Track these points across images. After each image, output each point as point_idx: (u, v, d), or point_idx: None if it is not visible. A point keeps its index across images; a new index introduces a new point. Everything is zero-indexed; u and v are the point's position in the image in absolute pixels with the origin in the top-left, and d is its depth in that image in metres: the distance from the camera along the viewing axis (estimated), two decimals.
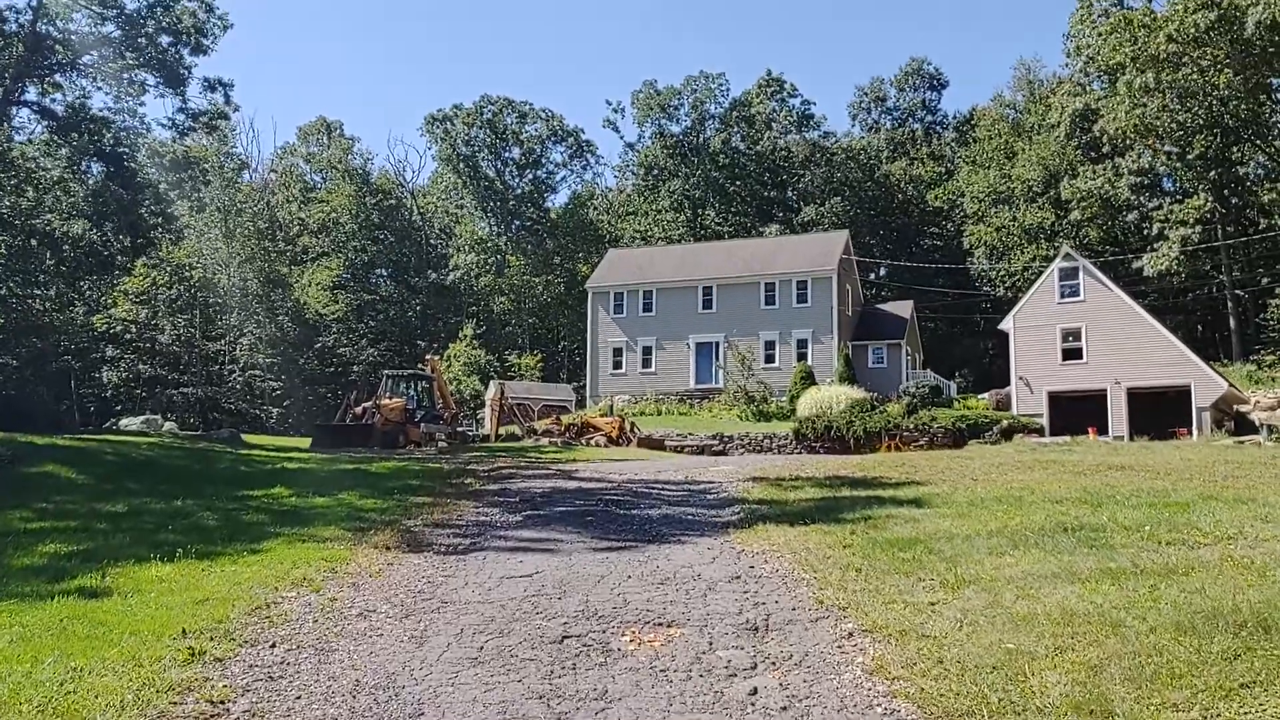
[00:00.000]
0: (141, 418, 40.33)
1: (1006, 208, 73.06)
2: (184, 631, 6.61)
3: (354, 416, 35.81)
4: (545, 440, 35.19)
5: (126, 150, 33.58)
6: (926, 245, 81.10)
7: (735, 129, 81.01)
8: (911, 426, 36.84)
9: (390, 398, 36.69)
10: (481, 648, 6.40)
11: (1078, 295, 46.26)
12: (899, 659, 5.99)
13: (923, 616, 6.89)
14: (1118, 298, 45.99)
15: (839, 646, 6.38)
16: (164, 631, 6.60)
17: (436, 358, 41.25)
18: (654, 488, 15.11)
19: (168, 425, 40.23)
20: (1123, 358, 44.78)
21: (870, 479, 15.28)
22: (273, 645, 6.49)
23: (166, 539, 10.23)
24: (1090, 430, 43.45)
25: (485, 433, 41.77)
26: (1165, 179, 68.41)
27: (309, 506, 12.69)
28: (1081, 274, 46.53)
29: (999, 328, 51.16)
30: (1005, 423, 44.10)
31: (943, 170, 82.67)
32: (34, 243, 31.85)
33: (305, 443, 34.61)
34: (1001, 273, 73.18)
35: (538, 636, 6.63)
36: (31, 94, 36.14)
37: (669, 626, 6.87)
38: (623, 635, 6.66)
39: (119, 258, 33.48)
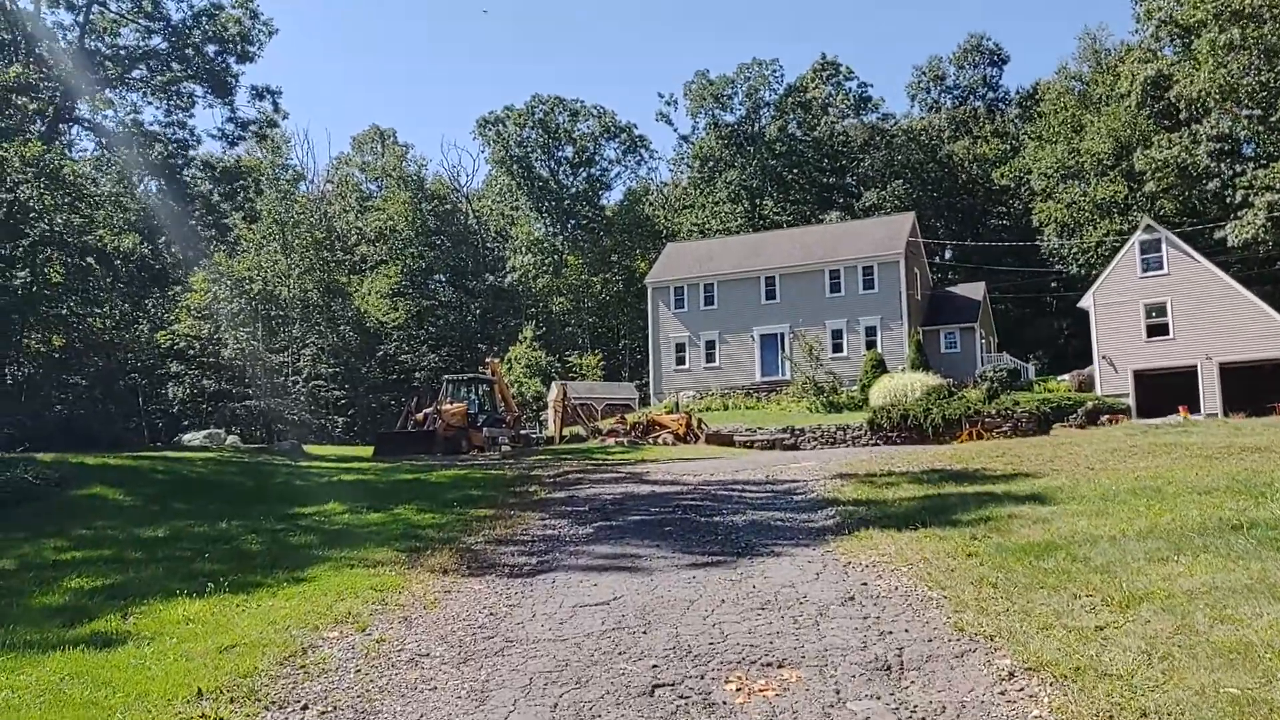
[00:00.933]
0: (204, 432, 40.02)
1: (1076, 182, 70.36)
2: (200, 692, 5.52)
3: (415, 423, 35.08)
4: (610, 440, 34.09)
5: (177, 162, 33.13)
6: (993, 225, 78.57)
7: (791, 115, 79.21)
8: (993, 412, 35.06)
9: (451, 403, 35.86)
10: (555, 705, 5.20)
11: (1161, 268, 44.03)
12: (1087, 710, 4.67)
13: (1095, 647, 5.56)
14: (1205, 269, 43.65)
15: (1000, 693, 5.07)
16: (177, 692, 5.51)
17: (496, 360, 40.39)
18: (734, 490, 13.84)
19: (230, 439, 39.88)
20: (1213, 331, 42.51)
21: (973, 472, 13.84)
22: (304, 706, 5.37)
23: (202, 569, 9.21)
24: (1181, 409, 41.31)
25: (549, 434, 40.84)
26: (1246, 144, 65.21)
27: (362, 524, 11.65)
28: (1164, 246, 44.29)
29: (1078, 306, 48.94)
30: (1090, 404, 42.07)
31: (1007, 147, 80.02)
32: (90, 260, 31.53)
33: (368, 451, 33.97)
34: (1074, 249, 70.51)
35: (623, 687, 5.42)
36: (83, 110, 36.02)
37: (780, 668, 5.63)
38: (726, 682, 5.42)
39: (173, 271, 33.13)
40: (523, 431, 39.66)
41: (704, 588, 7.59)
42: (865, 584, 7.45)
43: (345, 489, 15.83)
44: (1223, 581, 6.48)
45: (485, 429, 35.03)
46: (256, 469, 20.37)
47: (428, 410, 34.87)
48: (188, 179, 33.26)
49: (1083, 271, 70.30)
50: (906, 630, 6.23)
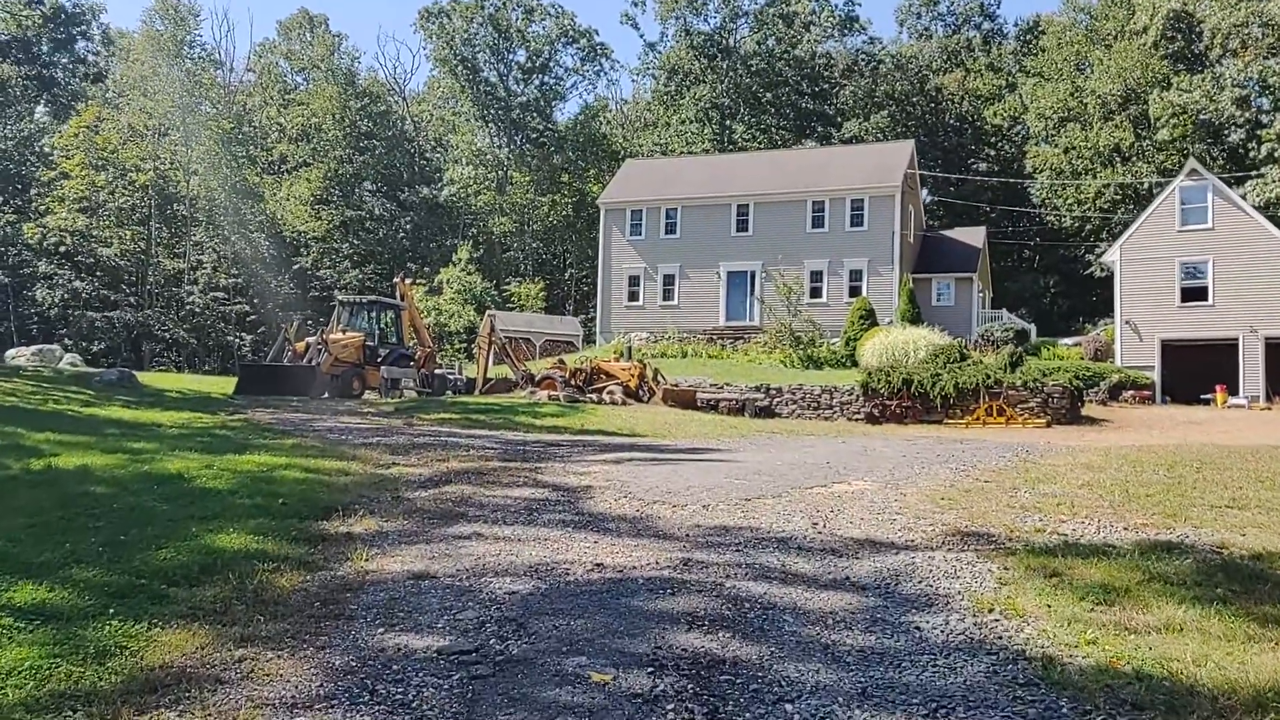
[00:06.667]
0: (34, 349, 31.87)
1: (1077, 125, 63.62)
2: None
3: (294, 354, 27.36)
4: (543, 394, 26.72)
5: None
6: (980, 168, 71.75)
7: (770, 29, 71.04)
8: (1018, 384, 28.30)
9: (343, 331, 28.28)
10: None
11: (1204, 221, 37.59)
12: None
13: None
14: (1257, 225, 37.31)
15: None
16: None
17: (408, 282, 32.55)
18: (768, 569, 6.62)
19: (67, 358, 31.80)
20: (1261, 299, 36.27)
21: (1256, 562, 6.76)
22: None
23: None
24: (1218, 389, 35.20)
25: (470, 376, 33.34)
26: (1269, 92, 58.47)
27: None
28: (1210, 194, 37.83)
29: (1102, 260, 42.56)
30: (1115, 378, 35.71)
31: (1003, 84, 72.97)
32: None
33: (230, 386, 26.28)
34: (1069, 200, 64.12)
35: None
36: None
37: None
38: None
39: None
40: (438, 371, 32.19)
41: None
42: None
43: (25, 495, 8.33)
44: None
45: (384, 368, 27.52)
46: None
47: (311, 339, 27.16)
48: None
49: (1076, 224, 64.17)
50: None
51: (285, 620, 5.39)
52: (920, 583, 6.38)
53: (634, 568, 6.62)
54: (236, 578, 6.11)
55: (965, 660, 4.93)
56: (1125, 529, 7.86)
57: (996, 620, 5.56)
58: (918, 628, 5.45)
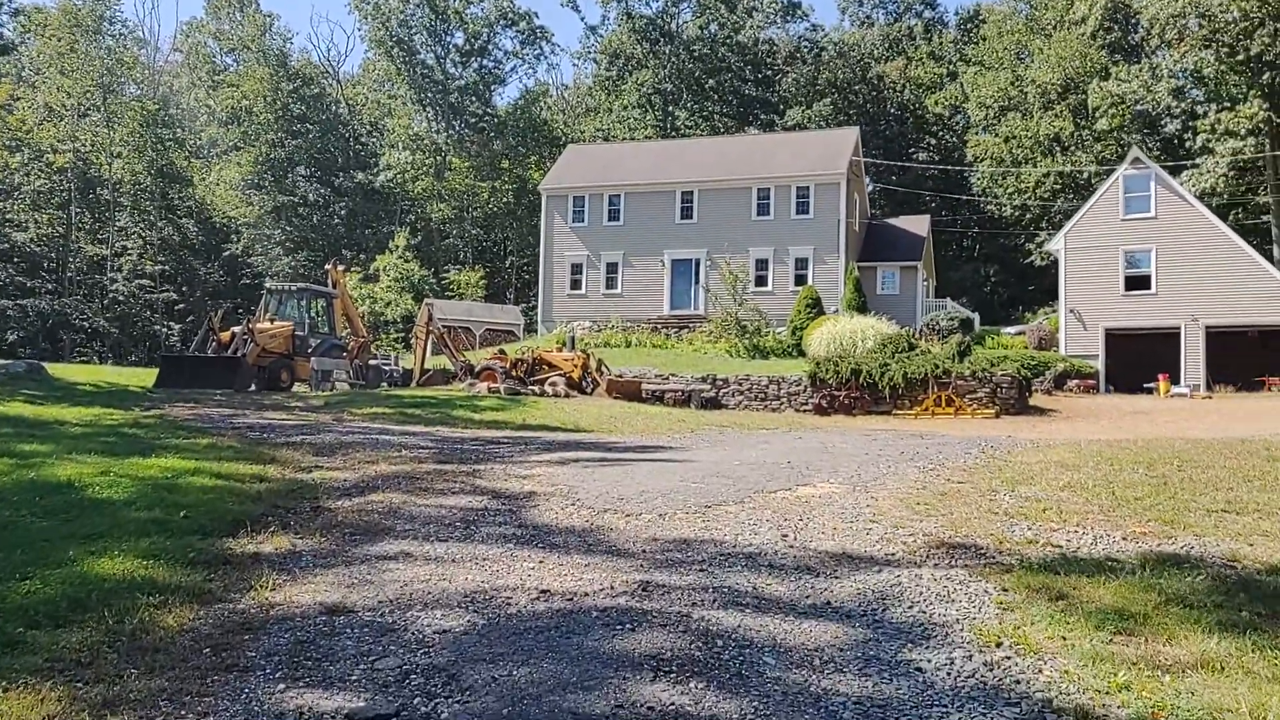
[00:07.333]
0: None
1: (1017, 115, 63.83)
2: None
3: (219, 344, 25.98)
4: (483, 386, 25.65)
5: None
6: (921, 157, 71.78)
7: (713, 14, 70.24)
8: (967, 374, 27.86)
9: (272, 320, 26.95)
10: None
11: (1147, 210, 37.63)
12: None
13: None
14: (1198, 214, 37.45)
15: None
16: None
17: (340, 268, 31.17)
18: (738, 596, 5.75)
19: None
20: (1202, 288, 36.40)
21: (1267, 577, 6.10)
22: None
23: None
24: (1160, 378, 35.24)
25: (409, 368, 32.13)
26: (1204, 84, 58.98)
27: None
28: (1153, 183, 37.85)
29: (1046, 248, 42.55)
30: (1061, 367, 35.68)
31: (944, 72, 73.01)
32: None
33: (152, 378, 24.88)
34: (1010, 190, 64.36)
35: None
36: None
37: None
38: None
39: None
40: (373, 362, 30.93)
41: None
42: None
43: None
44: None
45: (314, 359, 26.27)
46: None
47: (237, 329, 25.82)
48: None
49: (1016, 213, 64.44)
50: None
51: (164, 674, 4.43)
52: (911, 608, 5.61)
53: (586, 594, 5.76)
54: (113, 616, 5.14)
55: (983, 714, 4.16)
56: (1124, 538, 7.18)
57: (1008, 658, 4.80)
58: (919, 669, 4.67)
